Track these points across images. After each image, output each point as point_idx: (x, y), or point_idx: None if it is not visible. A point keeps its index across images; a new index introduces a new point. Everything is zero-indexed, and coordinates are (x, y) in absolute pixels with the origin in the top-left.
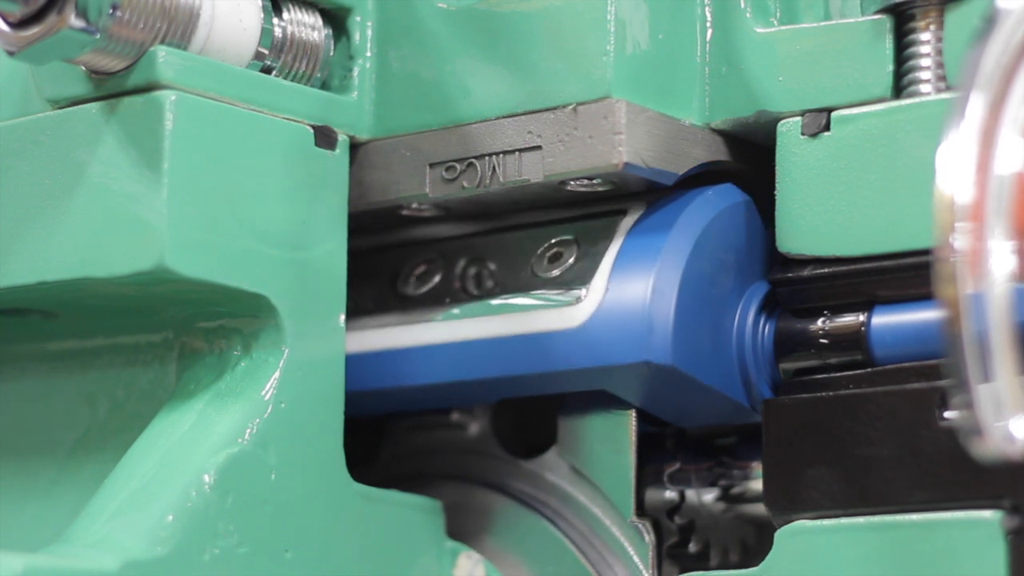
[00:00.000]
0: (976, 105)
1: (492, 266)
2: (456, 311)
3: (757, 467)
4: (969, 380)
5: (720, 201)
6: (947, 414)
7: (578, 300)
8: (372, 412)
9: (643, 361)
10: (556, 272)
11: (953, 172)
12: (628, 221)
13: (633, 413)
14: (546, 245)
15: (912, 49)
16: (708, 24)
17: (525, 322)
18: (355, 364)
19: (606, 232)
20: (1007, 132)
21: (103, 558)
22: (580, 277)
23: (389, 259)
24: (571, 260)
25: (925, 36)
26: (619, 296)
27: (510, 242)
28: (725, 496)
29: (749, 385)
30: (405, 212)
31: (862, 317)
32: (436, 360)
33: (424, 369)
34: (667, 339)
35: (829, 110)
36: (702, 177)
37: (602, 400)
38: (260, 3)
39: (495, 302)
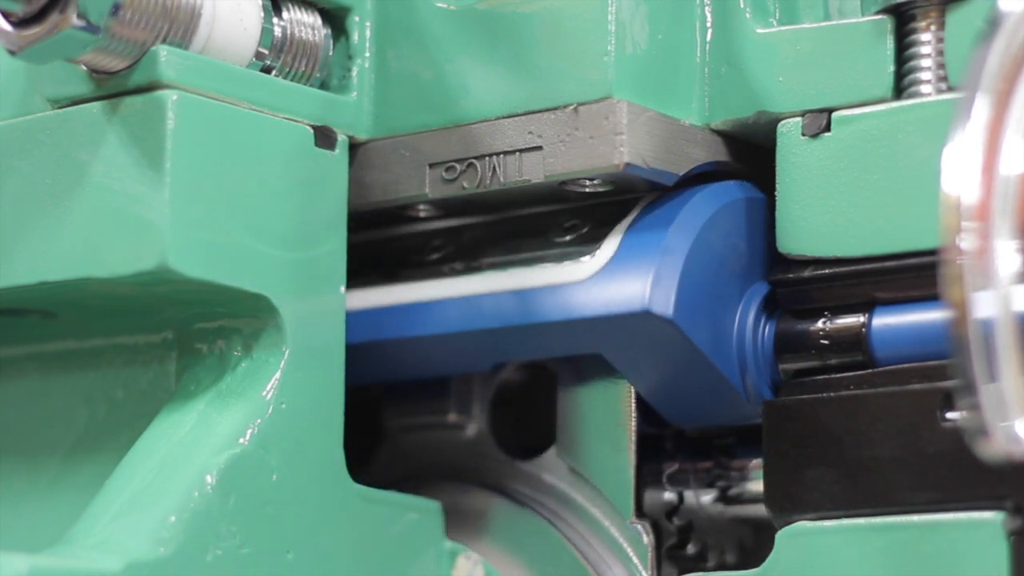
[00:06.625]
0: (981, 106)
1: (507, 239)
2: (465, 271)
3: (754, 468)
4: (975, 381)
5: (738, 191)
6: (949, 415)
7: (588, 258)
8: (373, 378)
9: (644, 310)
10: (570, 238)
11: (959, 173)
12: (646, 199)
13: (633, 412)
14: (564, 219)
15: (913, 50)
16: (708, 24)
17: (531, 277)
18: (358, 319)
19: (623, 210)
20: (1012, 133)
21: (107, 559)
22: (594, 240)
23: (403, 242)
24: (586, 229)
25: (926, 37)
26: (628, 254)
27: (526, 221)
28: (723, 497)
29: (746, 373)
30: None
31: (863, 318)
32: (439, 312)
33: (427, 321)
34: (671, 293)
35: (830, 111)
36: (702, 178)
37: (600, 393)
38: (260, 3)
39: (505, 262)
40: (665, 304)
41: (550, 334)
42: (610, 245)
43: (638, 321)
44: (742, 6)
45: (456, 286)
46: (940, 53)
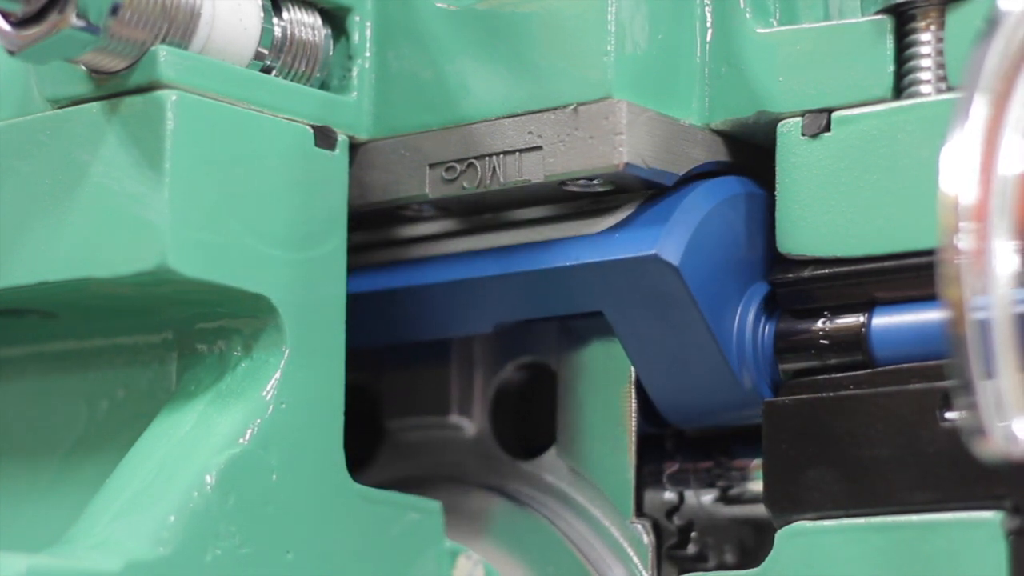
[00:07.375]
0: (979, 106)
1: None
2: (470, 232)
3: (755, 468)
4: (973, 380)
5: (740, 186)
6: (948, 415)
7: (603, 217)
8: (372, 338)
9: (652, 255)
10: (589, 204)
11: (957, 173)
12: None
13: (633, 412)
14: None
15: (913, 50)
16: (708, 24)
17: (541, 232)
18: (357, 272)
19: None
20: (1010, 133)
21: (106, 559)
22: (614, 207)
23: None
24: (608, 198)
25: (926, 37)
26: (643, 214)
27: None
28: (723, 497)
29: (744, 369)
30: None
31: (862, 318)
32: (440, 262)
33: (428, 270)
34: (681, 244)
35: (829, 111)
36: (702, 178)
37: (600, 393)
38: (260, 3)
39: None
40: (674, 252)
41: (555, 284)
42: (625, 210)
43: (645, 267)
44: (742, 6)
45: (461, 242)
46: (940, 53)
